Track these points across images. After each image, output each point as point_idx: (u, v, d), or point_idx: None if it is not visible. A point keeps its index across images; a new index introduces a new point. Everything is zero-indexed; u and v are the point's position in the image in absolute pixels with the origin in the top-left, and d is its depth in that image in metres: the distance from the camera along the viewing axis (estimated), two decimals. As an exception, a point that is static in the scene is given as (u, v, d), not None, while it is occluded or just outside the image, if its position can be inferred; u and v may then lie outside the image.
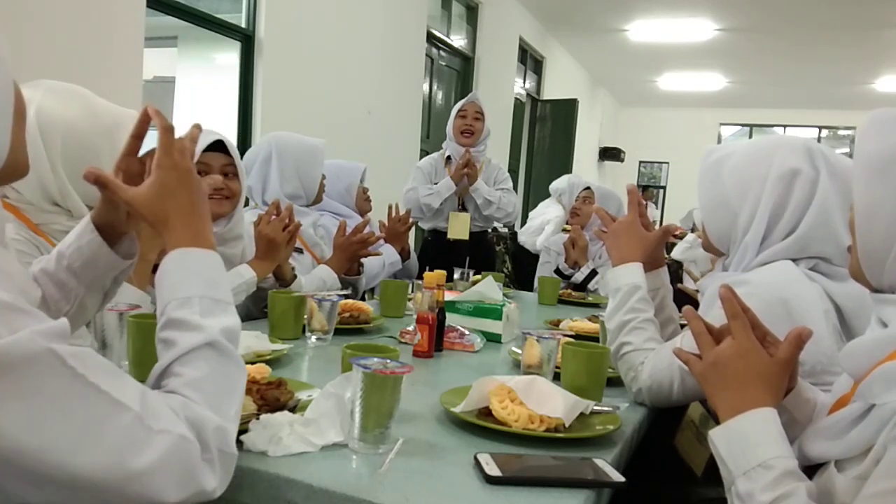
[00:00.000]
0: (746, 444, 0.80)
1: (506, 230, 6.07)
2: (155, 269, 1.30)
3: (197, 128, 0.94)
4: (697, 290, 1.93)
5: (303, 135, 2.39)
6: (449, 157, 3.33)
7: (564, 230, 3.43)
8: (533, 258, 3.49)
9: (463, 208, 3.30)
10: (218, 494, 0.70)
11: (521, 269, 4.95)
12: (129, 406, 0.63)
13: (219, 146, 1.73)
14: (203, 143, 1.70)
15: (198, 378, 0.73)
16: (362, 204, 2.78)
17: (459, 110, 3.30)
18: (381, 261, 2.55)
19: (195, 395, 0.72)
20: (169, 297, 0.78)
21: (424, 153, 5.32)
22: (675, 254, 5.30)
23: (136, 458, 0.62)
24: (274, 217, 1.86)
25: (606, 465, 0.93)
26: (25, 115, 0.80)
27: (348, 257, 2.15)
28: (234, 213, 1.77)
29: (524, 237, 4.41)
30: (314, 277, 2.04)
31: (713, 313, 1.08)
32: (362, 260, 2.25)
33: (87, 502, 0.62)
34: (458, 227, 3.24)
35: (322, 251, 2.33)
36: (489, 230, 3.55)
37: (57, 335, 0.60)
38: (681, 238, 5.29)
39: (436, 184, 3.26)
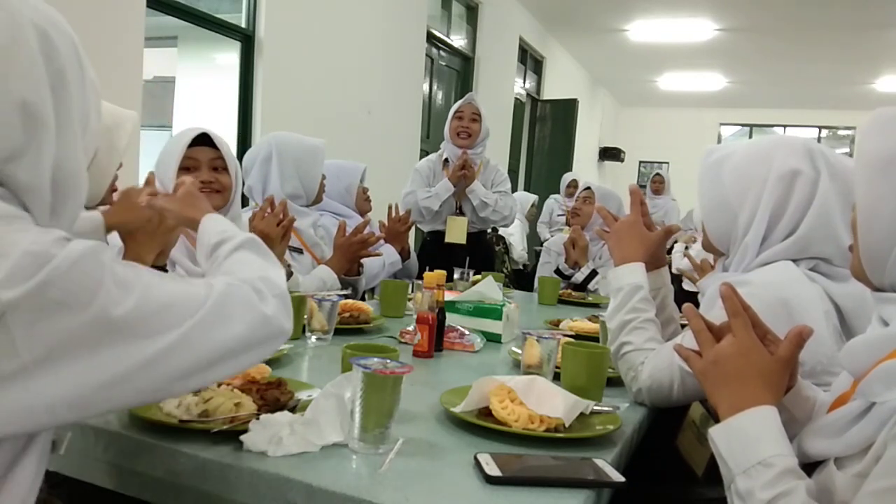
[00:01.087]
0: (746, 441, 0.80)
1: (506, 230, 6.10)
2: None
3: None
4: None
5: (303, 135, 2.39)
6: (447, 160, 3.31)
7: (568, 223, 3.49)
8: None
9: (460, 212, 3.28)
10: (286, 326, 0.81)
11: (520, 269, 5.02)
12: (177, 280, 0.74)
13: (207, 140, 1.72)
14: (188, 137, 1.69)
15: (239, 260, 0.90)
16: (362, 204, 2.79)
17: (456, 111, 3.27)
18: (381, 261, 2.55)
19: (239, 266, 0.88)
20: (209, 239, 0.97)
21: (424, 153, 5.32)
22: (673, 267, 5.32)
23: (196, 314, 0.71)
24: (268, 212, 1.85)
25: (606, 465, 0.93)
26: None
27: (348, 258, 2.15)
28: (229, 208, 1.76)
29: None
30: (314, 278, 2.04)
31: (713, 313, 1.08)
32: (362, 260, 2.24)
33: (165, 376, 0.69)
34: (456, 232, 3.23)
35: (322, 251, 2.32)
36: (488, 230, 3.55)
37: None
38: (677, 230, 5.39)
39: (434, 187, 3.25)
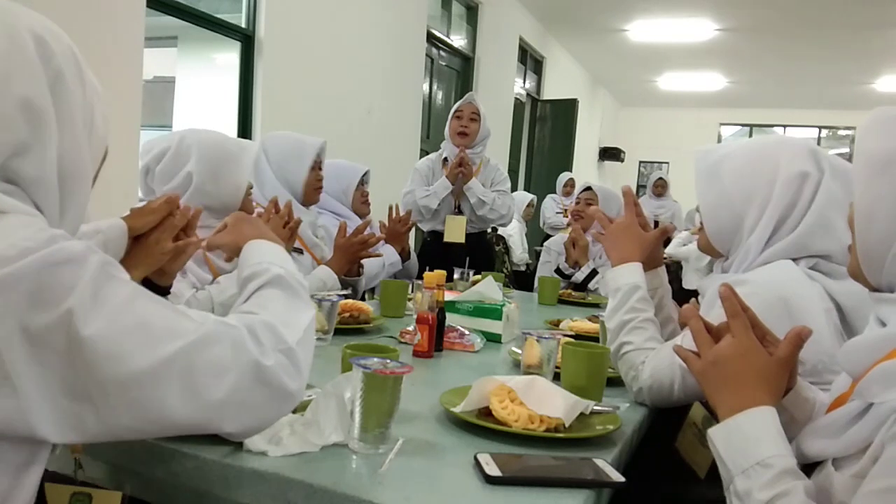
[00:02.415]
0: (745, 442, 0.80)
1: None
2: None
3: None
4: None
5: (303, 135, 2.39)
6: (446, 159, 3.31)
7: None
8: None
9: (459, 211, 3.28)
10: (291, 386, 0.75)
11: (521, 270, 5.04)
12: (167, 303, 0.71)
13: None
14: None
15: (261, 301, 0.85)
16: (359, 206, 2.76)
17: (456, 111, 3.28)
18: (381, 261, 2.55)
19: (256, 308, 0.82)
20: (243, 272, 0.93)
21: (424, 153, 5.31)
22: (669, 250, 5.35)
23: (176, 341, 0.68)
24: (273, 214, 1.84)
25: (606, 465, 0.93)
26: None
27: (349, 258, 2.15)
28: None
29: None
30: (314, 278, 2.04)
31: (713, 313, 1.08)
32: (362, 261, 2.24)
33: (142, 406, 0.67)
34: (454, 231, 3.23)
35: (322, 252, 2.32)
36: (488, 230, 3.55)
37: (97, 249, 0.69)
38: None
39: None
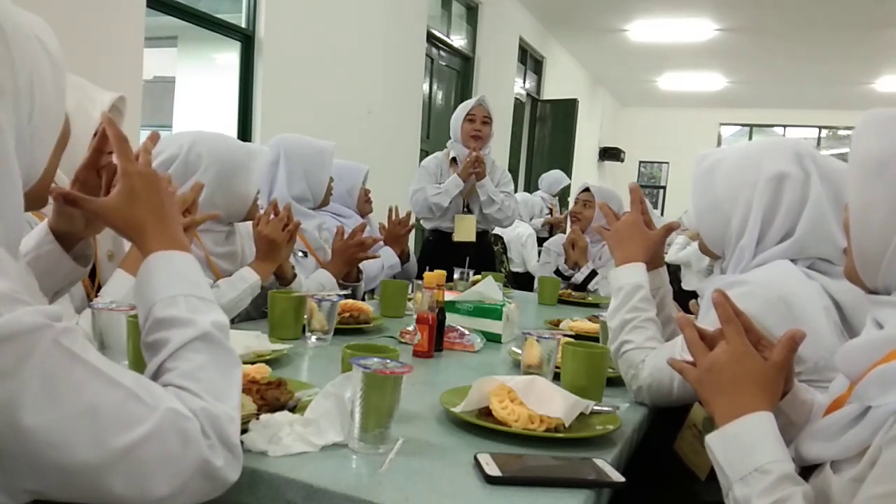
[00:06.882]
0: (743, 449, 0.80)
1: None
2: None
3: (152, 138, 0.95)
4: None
5: (306, 136, 2.40)
6: (454, 159, 3.31)
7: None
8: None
9: (468, 210, 3.29)
10: (232, 479, 0.70)
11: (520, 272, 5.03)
12: (120, 383, 0.63)
13: None
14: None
15: (193, 368, 0.73)
16: (363, 206, 2.79)
17: (468, 114, 3.26)
18: (380, 263, 2.56)
19: (192, 385, 0.71)
20: (153, 300, 0.77)
21: (424, 153, 5.31)
22: (669, 257, 5.35)
23: (127, 434, 0.61)
24: (272, 217, 1.84)
25: (606, 466, 0.93)
26: (66, 145, 0.81)
27: (346, 261, 2.15)
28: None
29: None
30: (313, 282, 2.04)
31: (711, 315, 1.08)
32: (360, 266, 2.25)
33: (81, 488, 0.62)
34: (464, 230, 3.23)
35: (326, 254, 2.32)
36: (489, 230, 3.55)
37: (51, 316, 0.60)
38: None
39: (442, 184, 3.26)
